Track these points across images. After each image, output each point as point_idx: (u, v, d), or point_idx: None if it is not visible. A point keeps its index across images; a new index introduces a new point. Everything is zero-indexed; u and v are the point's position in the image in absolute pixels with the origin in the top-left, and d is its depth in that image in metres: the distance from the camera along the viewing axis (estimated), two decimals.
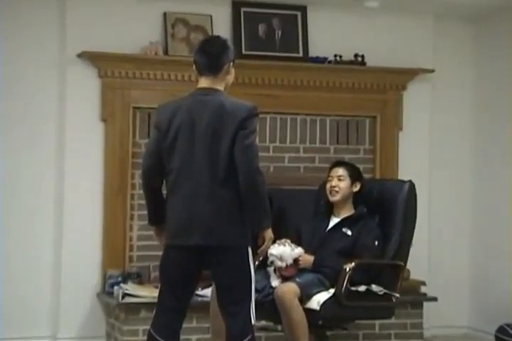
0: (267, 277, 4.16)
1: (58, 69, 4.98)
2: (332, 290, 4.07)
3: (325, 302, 4.02)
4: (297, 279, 4.05)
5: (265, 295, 4.06)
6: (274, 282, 4.13)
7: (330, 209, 4.39)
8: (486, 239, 5.52)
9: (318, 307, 4.01)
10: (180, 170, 3.32)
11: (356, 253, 4.17)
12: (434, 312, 5.34)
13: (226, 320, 3.36)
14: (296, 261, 4.15)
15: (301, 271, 4.15)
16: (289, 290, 3.97)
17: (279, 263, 4.13)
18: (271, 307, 4.03)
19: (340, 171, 4.34)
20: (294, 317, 3.94)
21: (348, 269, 4.01)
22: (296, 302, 3.96)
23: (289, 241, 4.21)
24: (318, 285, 4.10)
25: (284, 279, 4.12)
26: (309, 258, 4.17)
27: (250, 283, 3.34)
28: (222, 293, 3.36)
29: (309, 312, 4.00)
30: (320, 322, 4.08)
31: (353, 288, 4.06)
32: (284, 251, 4.14)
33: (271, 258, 4.14)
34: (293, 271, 4.13)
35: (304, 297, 4.01)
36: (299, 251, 4.18)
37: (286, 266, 4.13)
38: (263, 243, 3.35)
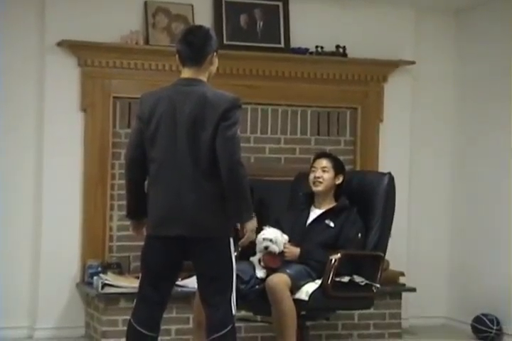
0: (253, 268, 4.16)
1: (37, 58, 4.94)
2: (319, 281, 4.10)
3: (313, 292, 4.05)
4: (287, 270, 4.06)
5: (251, 286, 4.07)
6: (260, 273, 4.13)
7: (310, 200, 4.40)
8: (465, 231, 5.56)
9: (306, 298, 4.04)
10: (162, 160, 3.31)
11: (340, 245, 4.20)
12: (412, 302, 5.38)
13: (207, 310, 3.36)
14: (281, 252, 4.15)
15: (287, 262, 4.15)
16: (280, 281, 3.98)
17: (274, 247, 4.12)
18: (257, 298, 4.04)
19: (325, 162, 4.36)
20: (284, 308, 3.95)
21: (334, 260, 4.03)
22: (288, 293, 3.98)
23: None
24: (306, 276, 4.12)
25: (270, 270, 4.12)
26: (295, 251, 4.18)
27: (232, 274, 3.34)
28: (203, 283, 3.36)
29: (298, 302, 4.02)
30: (304, 313, 4.10)
31: (337, 279, 4.09)
32: (276, 235, 4.14)
33: (264, 244, 4.12)
34: (278, 262, 4.13)
35: (294, 288, 4.03)
36: (286, 236, 4.18)
37: (274, 254, 4.12)
38: (245, 234, 3.35)
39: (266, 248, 4.11)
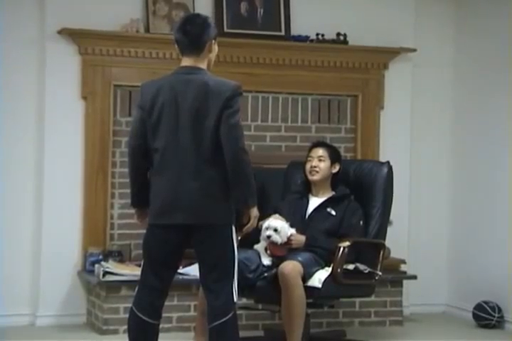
0: (258, 255, 4.16)
1: (38, 46, 4.93)
2: (328, 269, 4.12)
3: (325, 280, 4.06)
4: (299, 258, 4.06)
5: (259, 274, 4.07)
6: (266, 261, 4.12)
7: (307, 188, 4.41)
8: (465, 218, 5.56)
9: (319, 285, 4.05)
10: (165, 149, 3.32)
11: (343, 232, 4.21)
12: (413, 290, 5.39)
13: (208, 297, 3.37)
14: (287, 240, 4.15)
15: (293, 250, 4.15)
16: (294, 268, 3.99)
17: (276, 237, 4.11)
18: (266, 286, 4.05)
19: (321, 152, 4.37)
20: (295, 295, 3.96)
21: (343, 248, 4.05)
22: (300, 281, 3.99)
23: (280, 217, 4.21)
24: (316, 263, 4.14)
25: (276, 259, 4.12)
26: (301, 238, 4.19)
27: (233, 262, 3.34)
28: (205, 271, 3.36)
29: (310, 289, 4.04)
30: (310, 300, 4.10)
31: (344, 266, 4.11)
32: (283, 225, 4.13)
33: (268, 232, 4.10)
34: (284, 251, 4.13)
35: (307, 275, 4.04)
36: (293, 230, 4.17)
37: (280, 243, 4.11)
38: (248, 221, 3.36)
39: (268, 237, 4.10)
